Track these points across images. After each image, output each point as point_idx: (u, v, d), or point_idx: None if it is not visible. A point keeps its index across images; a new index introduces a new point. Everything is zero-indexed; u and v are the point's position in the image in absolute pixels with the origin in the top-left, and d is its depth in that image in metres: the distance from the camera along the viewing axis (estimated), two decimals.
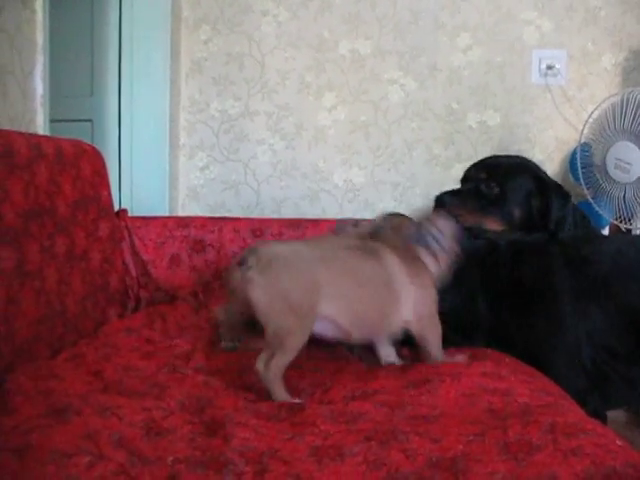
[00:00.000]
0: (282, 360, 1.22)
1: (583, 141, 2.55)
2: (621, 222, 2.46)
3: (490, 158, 2.03)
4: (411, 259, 1.38)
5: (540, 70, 2.83)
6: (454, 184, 2.88)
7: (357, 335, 1.35)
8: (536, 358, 1.47)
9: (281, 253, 1.28)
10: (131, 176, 2.77)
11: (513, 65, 2.85)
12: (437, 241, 1.38)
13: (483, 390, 1.19)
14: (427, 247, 1.39)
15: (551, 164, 2.84)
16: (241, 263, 1.25)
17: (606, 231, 2.63)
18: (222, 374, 1.33)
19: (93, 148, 1.82)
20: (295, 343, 1.23)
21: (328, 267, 1.29)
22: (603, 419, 1.57)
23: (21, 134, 1.47)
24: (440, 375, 1.28)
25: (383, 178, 2.90)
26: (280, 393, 1.21)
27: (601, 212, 2.47)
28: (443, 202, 1.88)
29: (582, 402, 1.25)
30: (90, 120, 2.81)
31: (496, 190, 1.87)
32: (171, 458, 0.93)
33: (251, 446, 0.97)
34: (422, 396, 1.18)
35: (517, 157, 2.07)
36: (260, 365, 1.22)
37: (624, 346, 1.47)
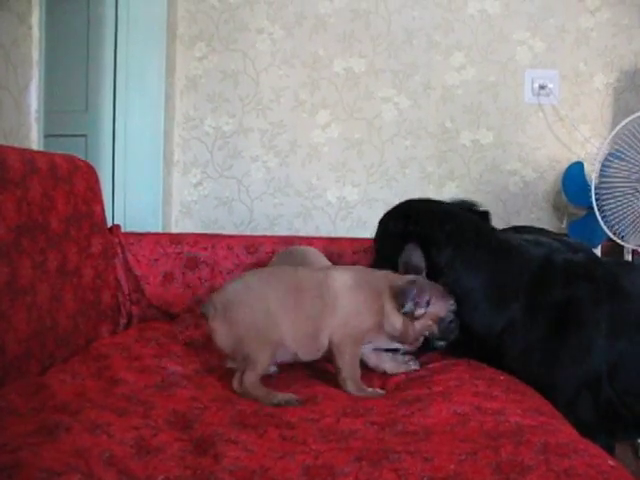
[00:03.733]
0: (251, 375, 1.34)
1: (608, 153, 2.51)
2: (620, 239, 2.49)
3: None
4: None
5: (533, 90, 2.85)
6: None
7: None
8: (554, 384, 1.46)
9: (230, 300, 1.39)
10: (125, 192, 2.77)
11: (506, 84, 2.87)
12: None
13: (475, 409, 1.19)
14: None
15: (543, 183, 2.86)
16: (204, 314, 1.42)
17: (598, 250, 2.64)
18: (208, 390, 1.33)
19: (87, 164, 1.81)
20: (261, 362, 1.35)
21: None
22: (611, 451, 1.56)
23: (15, 149, 1.47)
24: (432, 394, 1.28)
25: (376, 196, 2.91)
26: (265, 397, 1.29)
27: (606, 229, 2.46)
28: None
29: (589, 437, 1.22)
30: (84, 135, 2.81)
31: None
32: (161, 477, 0.92)
33: (242, 465, 0.96)
34: (413, 415, 1.18)
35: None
36: (235, 385, 1.35)
37: None
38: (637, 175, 2.43)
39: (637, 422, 1.51)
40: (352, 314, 1.39)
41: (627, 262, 2.49)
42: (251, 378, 1.32)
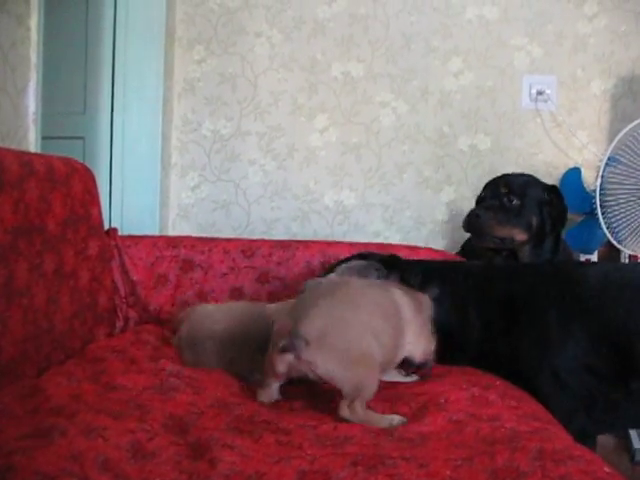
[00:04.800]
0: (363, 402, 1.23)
1: (610, 156, 2.49)
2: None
3: (505, 176, 2.23)
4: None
5: (530, 95, 2.86)
6: (444, 207, 2.91)
7: None
8: (523, 377, 1.48)
9: (324, 326, 1.25)
10: (122, 195, 2.76)
11: (504, 90, 2.88)
12: None
13: (470, 416, 1.19)
14: None
15: None
16: (286, 349, 1.22)
17: (595, 256, 2.64)
18: (206, 393, 1.33)
19: (84, 166, 1.81)
20: (372, 387, 1.25)
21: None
22: (592, 440, 1.58)
23: (12, 151, 1.47)
24: (427, 401, 1.28)
25: (374, 200, 2.91)
26: (379, 421, 1.21)
27: (609, 235, 2.46)
28: (478, 217, 2.09)
29: (568, 422, 1.25)
30: (82, 138, 2.81)
31: (516, 202, 2.10)
32: None
33: (237, 470, 0.96)
34: (409, 421, 1.17)
35: (524, 174, 2.28)
36: (345, 412, 1.21)
37: (607, 368, 1.48)
38: None
39: (612, 406, 1.52)
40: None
41: (586, 261, 2.56)
42: (363, 405, 1.21)
